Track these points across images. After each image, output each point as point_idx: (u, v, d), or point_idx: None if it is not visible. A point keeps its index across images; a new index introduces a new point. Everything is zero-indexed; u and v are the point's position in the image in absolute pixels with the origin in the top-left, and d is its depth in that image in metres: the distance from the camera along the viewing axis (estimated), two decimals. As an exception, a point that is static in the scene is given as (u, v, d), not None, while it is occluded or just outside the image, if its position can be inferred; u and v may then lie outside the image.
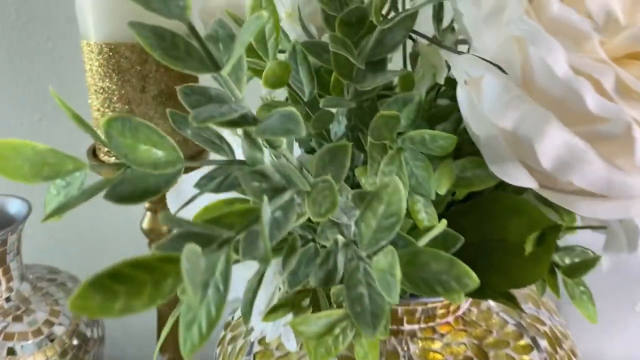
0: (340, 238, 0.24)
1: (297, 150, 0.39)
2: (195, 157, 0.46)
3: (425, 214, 0.29)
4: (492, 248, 0.33)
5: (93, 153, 0.47)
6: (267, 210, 0.19)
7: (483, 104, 0.22)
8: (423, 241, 0.26)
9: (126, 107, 0.42)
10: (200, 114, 0.17)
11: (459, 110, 0.33)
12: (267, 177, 0.21)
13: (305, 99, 0.30)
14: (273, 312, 0.33)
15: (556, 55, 0.19)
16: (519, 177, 0.23)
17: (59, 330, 0.51)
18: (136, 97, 0.42)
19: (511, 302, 0.34)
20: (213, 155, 0.25)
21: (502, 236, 0.32)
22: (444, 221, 0.25)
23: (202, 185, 0.23)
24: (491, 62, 0.22)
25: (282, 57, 0.33)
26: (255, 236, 0.19)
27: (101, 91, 0.42)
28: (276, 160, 0.23)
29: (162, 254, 0.17)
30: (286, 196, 0.21)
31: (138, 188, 0.21)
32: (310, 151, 0.38)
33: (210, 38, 0.19)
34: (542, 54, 0.19)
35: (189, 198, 0.26)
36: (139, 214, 0.52)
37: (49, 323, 0.51)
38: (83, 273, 0.59)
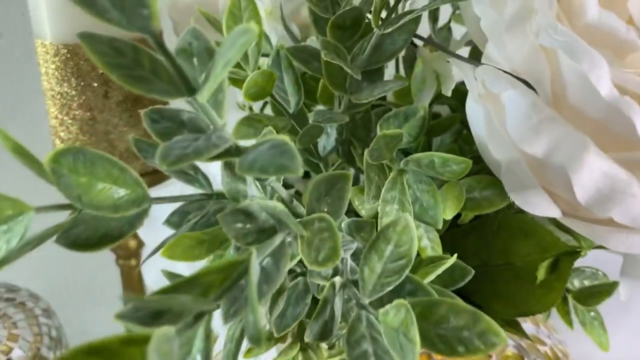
0: (337, 280, 0.21)
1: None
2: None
3: (428, 241, 0.26)
4: (496, 272, 0.30)
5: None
6: (256, 268, 0.16)
7: (507, 125, 0.18)
8: (430, 277, 0.22)
9: (87, 114, 0.38)
10: (169, 152, 0.13)
11: (461, 122, 0.30)
12: (252, 216, 0.18)
13: (291, 111, 0.27)
14: (255, 348, 0.30)
15: (600, 72, 0.16)
16: (542, 207, 0.20)
17: (18, 355, 0.47)
18: (98, 103, 0.38)
19: (515, 329, 0.31)
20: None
21: (508, 260, 0.29)
22: (454, 256, 0.22)
23: (174, 223, 0.20)
24: (513, 75, 0.19)
25: (263, 60, 0.29)
26: (239, 292, 0.16)
27: (59, 97, 0.38)
28: (263, 198, 0.19)
29: (124, 335, 0.13)
30: (276, 240, 0.17)
31: (96, 233, 0.18)
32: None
33: (183, 52, 0.16)
34: (584, 70, 0.16)
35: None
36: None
37: (7, 348, 0.46)
38: (45, 290, 0.54)
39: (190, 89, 0.14)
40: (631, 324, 0.66)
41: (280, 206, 0.18)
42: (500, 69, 0.19)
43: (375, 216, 0.27)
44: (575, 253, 0.26)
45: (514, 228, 0.28)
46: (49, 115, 0.40)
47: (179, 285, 0.14)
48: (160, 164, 0.13)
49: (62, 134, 0.39)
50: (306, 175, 0.34)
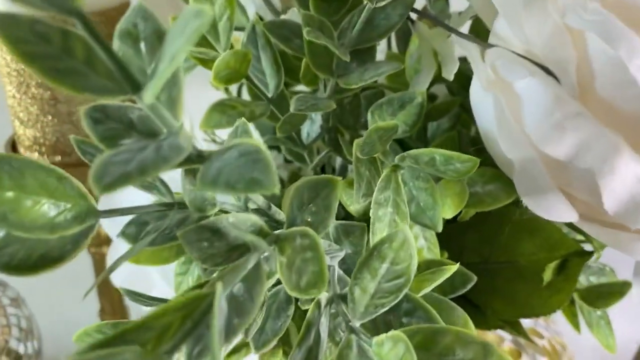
0: (322, 297, 0.18)
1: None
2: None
3: (424, 241, 0.23)
4: (497, 271, 0.27)
5: (12, 146, 0.39)
6: (222, 308, 0.13)
7: (525, 121, 0.16)
8: (428, 288, 0.20)
9: (48, 93, 0.35)
10: (105, 170, 0.10)
11: (460, 106, 0.27)
12: (220, 232, 0.15)
13: (270, 95, 0.23)
14: (234, 352, 0.27)
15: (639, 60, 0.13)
16: (558, 211, 0.17)
17: (-16, 348, 0.44)
18: (59, 81, 0.34)
19: (517, 330, 0.28)
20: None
21: (510, 258, 0.27)
22: (457, 265, 0.19)
23: (130, 235, 0.17)
24: (532, 61, 0.16)
25: (238, 35, 0.26)
26: (205, 328, 0.13)
27: (15, 74, 0.34)
28: (234, 207, 0.16)
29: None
30: (250, 262, 0.14)
31: (33, 254, 0.15)
32: (275, 144, 0.31)
33: (127, 36, 0.12)
34: (621, 57, 0.13)
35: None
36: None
37: (-28, 342, 0.43)
38: (13, 277, 0.51)
39: (134, 85, 0.11)
40: (622, 307, 0.64)
41: (253, 219, 0.15)
42: (515, 53, 0.16)
43: (366, 213, 0.24)
44: (586, 254, 0.24)
45: (518, 224, 0.25)
46: (6, 94, 0.36)
47: (126, 332, 0.12)
48: (94, 187, 0.10)
49: (21, 114, 0.36)
50: (289, 161, 0.31)
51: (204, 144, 0.31)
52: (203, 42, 0.22)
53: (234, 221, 0.15)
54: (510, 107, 0.16)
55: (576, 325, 0.27)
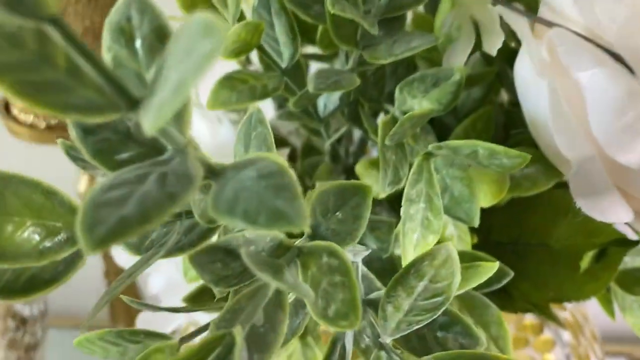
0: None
1: (270, 111, 0.30)
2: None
3: (454, 229, 0.21)
4: (527, 252, 0.25)
5: (5, 107, 0.37)
6: (243, 355, 0.11)
7: (588, 119, 0.13)
8: (463, 289, 0.18)
9: (40, 51, 0.32)
10: (96, 215, 0.08)
11: (497, 76, 0.24)
12: (234, 252, 0.13)
13: (284, 65, 0.21)
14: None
15: None
16: (614, 212, 0.15)
17: (-11, 311, 0.43)
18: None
19: (546, 314, 0.27)
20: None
21: (543, 241, 0.25)
22: (496, 263, 0.17)
23: (132, 245, 0.15)
24: (600, 46, 0.14)
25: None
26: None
27: (4, 31, 0.32)
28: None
29: None
30: (270, 288, 0.12)
31: (22, 275, 0.13)
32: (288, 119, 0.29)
33: (119, 33, 0.10)
34: None
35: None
36: (74, 176, 0.42)
37: (-23, 305, 0.43)
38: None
39: (130, 101, 0.09)
40: None
41: (272, 233, 0.13)
42: (583, 36, 0.13)
43: (393, 197, 0.22)
44: (629, 243, 0.22)
45: (554, 205, 0.23)
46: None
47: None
48: (83, 242, 0.08)
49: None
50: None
51: (211, 113, 0.28)
52: (210, 8, 0.19)
53: (250, 237, 0.13)
54: (569, 99, 0.14)
55: (611, 312, 0.25)
